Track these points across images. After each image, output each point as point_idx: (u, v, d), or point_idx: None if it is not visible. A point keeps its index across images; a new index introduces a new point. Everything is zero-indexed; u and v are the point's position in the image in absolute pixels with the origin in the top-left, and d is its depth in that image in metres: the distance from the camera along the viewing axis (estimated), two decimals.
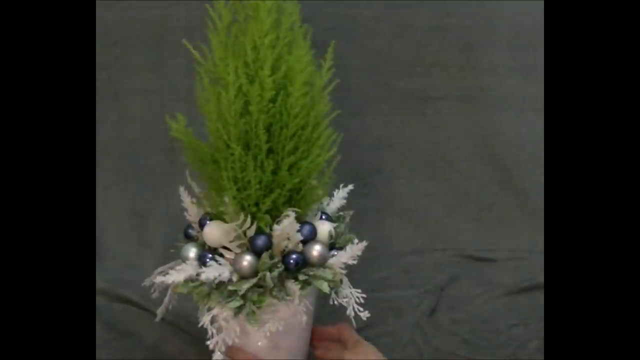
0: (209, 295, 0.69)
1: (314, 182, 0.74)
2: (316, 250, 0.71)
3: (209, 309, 0.69)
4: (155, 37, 1.07)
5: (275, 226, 0.69)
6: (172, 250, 0.76)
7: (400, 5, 1.07)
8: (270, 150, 0.69)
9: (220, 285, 0.69)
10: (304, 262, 0.70)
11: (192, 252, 0.72)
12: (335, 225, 0.76)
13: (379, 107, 1.11)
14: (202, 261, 0.70)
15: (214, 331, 0.69)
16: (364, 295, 0.75)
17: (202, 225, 0.73)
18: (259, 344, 0.72)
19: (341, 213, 0.80)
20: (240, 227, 0.69)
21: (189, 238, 0.76)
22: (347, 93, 1.08)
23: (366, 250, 0.74)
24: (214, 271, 0.68)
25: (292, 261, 0.69)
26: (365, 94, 1.10)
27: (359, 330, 0.87)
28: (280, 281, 0.70)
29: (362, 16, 1.08)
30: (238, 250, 0.70)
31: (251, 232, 0.69)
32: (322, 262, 0.71)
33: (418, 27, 1.09)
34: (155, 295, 0.78)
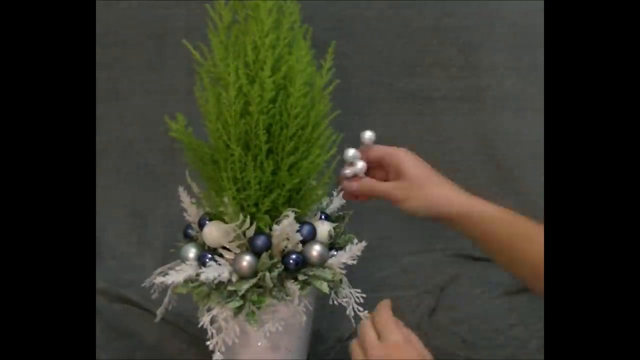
0: (208, 295, 0.69)
1: (314, 183, 0.74)
2: (316, 250, 0.71)
3: (209, 309, 0.69)
4: (155, 37, 1.07)
5: (275, 226, 0.69)
6: (172, 250, 0.76)
7: (400, 5, 1.07)
8: (270, 151, 0.69)
9: (219, 286, 0.69)
10: (304, 262, 0.70)
11: (191, 252, 0.72)
12: (334, 225, 0.76)
13: (379, 107, 1.11)
14: (201, 261, 0.70)
15: (214, 331, 0.69)
16: (364, 295, 0.76)
17: (201, 225, 0.73)
18: (259, 344, 0.72)
19: (341, 213, 0.80)
20: (240, 228, 0.69)
21: (189, 238, 0.76)
22: (347, 93, 1.08)
23: (366, 250, 0.74)
24: (214, 271, 0.68)
25: (291, 261, 0.69)
26: (365, 94, 1.10)
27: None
28: (280, 281, 0.70)
29: (362, 16, 1.08)
30: (237, 251, 0.70)
31: (251, 233, 0.69)
32: (321, 262, 0.71)
33: (418, 27, 1.08)
34: (155, 295, 0.78)
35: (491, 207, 0.72)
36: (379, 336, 0.64)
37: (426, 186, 0.72)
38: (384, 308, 0.67)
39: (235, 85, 0.66)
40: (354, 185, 0.75)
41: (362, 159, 0.75)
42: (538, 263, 0.66)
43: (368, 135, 0.75)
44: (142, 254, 1.06)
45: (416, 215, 0.73)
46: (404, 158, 0.74)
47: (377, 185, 0.75)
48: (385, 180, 0.76)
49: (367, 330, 0.65)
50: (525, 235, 0.69)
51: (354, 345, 0.65)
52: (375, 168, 0.77)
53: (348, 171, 0.75)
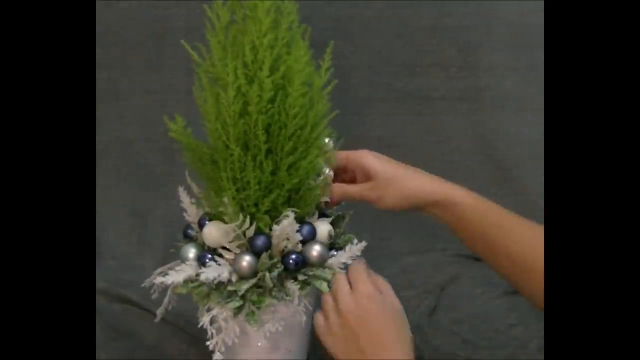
0: (208, 295, 0.69)
1: (313, 183, 0.74)
2: (315, 250, 0.71)
3: (209, 310, 0.69)
4: (155, 37, 1.07)
5: (275, 226, 0.69)
6: (172, 250, 0.77)
7: (399, 5, 1.07)
8: (269, 151, 0.69)
9: (219, 286, 0.69)
10: (304, 262, 0.70)
11: (191, 252, 0.72)
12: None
13: (378, 107, 1.11)
14: (201, 261, 0.70)
15: (214, 331, 0.69)
16: None
17: (201, 225, 0.73)
18: (259, 344, 0.72)
19: (341, 213, 0.80)
20: (240, 228, 0.69)
21: (189, 238, 0.76)
22: (347, 93, 1.08)
23: (365, 250, 0.74)
24: (214, 271, 0.68)
25: (291, 261, 0.69)
26: (364, 94, 1.10)
27: None
28: (280, 281, 0.70)
29: (361, 16, 1.08)
30: (237, 251, 0.70)
31: (250, 233, 0.70)
32: (321, 262, 0.71)
33: (417, 27, 1.09)
34: (155, 295, 0.78)
35: (468, 195, 0.72)
36: (351, 287, 0.66)
37: (396, 181, 0.73)
38: (359, 261, 0.69)
39: (234, 85, 0.67)
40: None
41: (327, 166, 0.76)
42: (514, 254, 0.68)
43: (326, 142, 0.76)
44: (142, 254, 1.06)
45: (395, 210, 0.74)
46: (366, 160, 0.75)
47: (348, 190, 0.76)
48: (353, 181, 0.77)
49: (340, 281, 0.68)
50: (499, 225, 0.70)
51: (326, 296, 0.68)
52: (342, 173, 0.78)
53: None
